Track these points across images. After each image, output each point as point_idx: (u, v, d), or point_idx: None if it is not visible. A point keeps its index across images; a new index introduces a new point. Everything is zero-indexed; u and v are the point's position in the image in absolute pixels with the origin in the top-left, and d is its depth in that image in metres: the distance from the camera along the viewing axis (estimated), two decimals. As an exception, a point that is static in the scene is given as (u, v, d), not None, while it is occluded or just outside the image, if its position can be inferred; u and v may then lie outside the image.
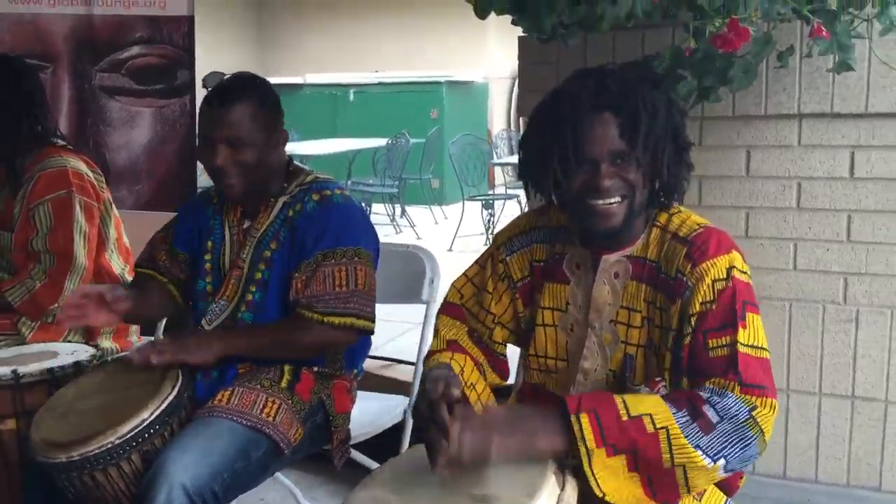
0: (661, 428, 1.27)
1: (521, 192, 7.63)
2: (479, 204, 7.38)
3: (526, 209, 7.20)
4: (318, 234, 1.92)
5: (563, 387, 1.57)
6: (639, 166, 1.40)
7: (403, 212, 8.32)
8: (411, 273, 2.35)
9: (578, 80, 1.44)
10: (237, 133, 1.89)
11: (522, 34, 2.20)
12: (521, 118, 1.97)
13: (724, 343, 1.36)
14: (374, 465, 2.18)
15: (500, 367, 1.67)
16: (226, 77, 1.98)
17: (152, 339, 2.43)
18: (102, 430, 1.69)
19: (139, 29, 3.72)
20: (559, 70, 2.19)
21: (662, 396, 1.36)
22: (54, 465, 1.69)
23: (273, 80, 2.18)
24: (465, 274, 1.70)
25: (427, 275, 2.33)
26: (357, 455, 2.13)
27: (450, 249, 6.92)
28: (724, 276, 1.39)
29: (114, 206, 2.66)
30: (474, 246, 7.17)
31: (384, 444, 2.20)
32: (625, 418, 1.28)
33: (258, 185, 1.98)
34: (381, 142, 8.58)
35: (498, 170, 9.07)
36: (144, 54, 3.75)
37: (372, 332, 1.98)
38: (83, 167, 2.52)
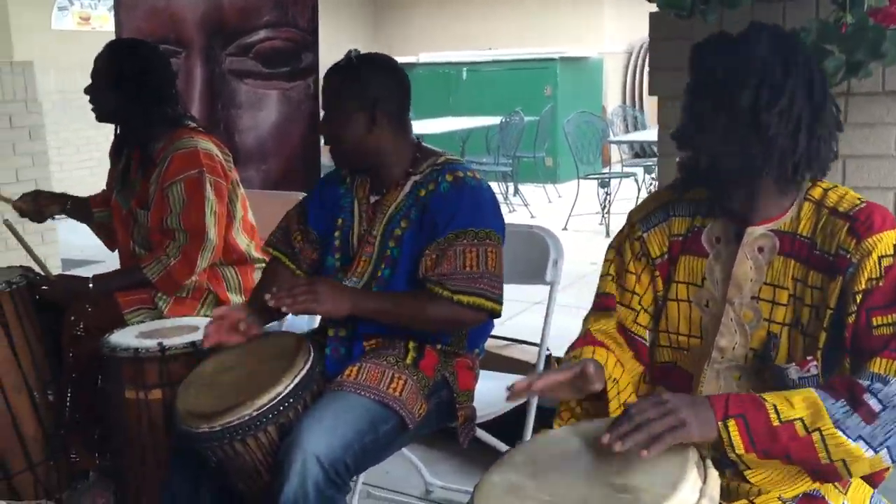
0: (814, 430, 1.24)
1: (639, 171, 7.48)
2: (594, 182, 7.27)
3: (643, 187, 7.09)
4: (451, 215, 1.93)
5: (697, 365, 1.52)
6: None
7: (517, 190, 8.29)
8: (534, 254, 2.33)
9: (711, 52, 1.41)
10: (325, 106, 2.00)
11: (653, 9, 2.13)
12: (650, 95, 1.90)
13: (890, 321, 1.31)
14: (498, 443, 2.21)
15: (642, 351, 1.61)
16: (349, 54, 2.01)
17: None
18: (241, 402, 1.76)
19: (266, 13, 3.82)
20: (694, 46, 2.10)
21: (818, 386, 1.31)
22: (198, 434, 1.78)
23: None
24: (606, 261, 1.66)
25: (551, 256, 2.32)
26: (481, 434, 2.15)
27: (564, 228, 6.85)
28: (892, 252, 1.34)
29: (240, 185, 2.74)
30: (590, 225, 7.08)
31: (507, 424, 2.22)
32: (775, 423, 1.24)
33: (360, 159, 2.02)
34: (494, 120, 8.55)
35: (614, 147, 8.90)
36: (271, 38, 3.85)
37: (499, 315, 1.97)
38: (213, 147, 2.60)
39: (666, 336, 1.57)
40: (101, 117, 2.61)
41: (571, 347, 1.59)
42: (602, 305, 1.64)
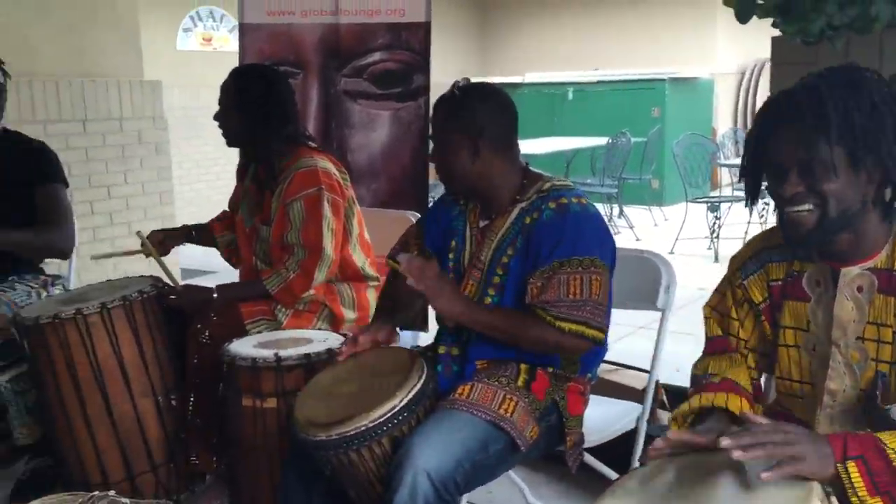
0: None
1: (750, 195, 7.26)
2: (702, 206, 7.11)
3: (755, 212, 6.89)
4: (554, 243, 1.94)
5: (810, 411, 1.51)
6: (837, 174, 1.36)
7: (622, 212, 8.19)
8: (645, 279, 2.32)
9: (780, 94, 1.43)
10: (433, 137, 2.07)
11: (775, 33, 2.10)
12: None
13: None
14: (606, 469, 2.19)
15: (757, 394, 1.62)
16: (455, 85, 2.06)
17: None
18: (357, 414, 1.81)
19: (380, 36, 3.93)
20: (817, 71, 2.06)
21: None
22: (314, 442, 1.83)
23: (493, 79, 2.24)
24: (708, 304, 1.69)
25: (663, 281, 2.29)
26: (589, 459, 2.14)
27: (671, 252, 6.71)
28: None
29: (356, 202, 2.82)
30: (698, 250, 6.93)
31: (616, 450, 2.20)
32: None
33: (468, 188, 2.06)
34: (600, 141, 8.48)
35: (724, 171, 8.68)
36: (385, 60, 3.95)
37: (601, 343, 1.96)
38: (331, 167, 2.69)
39: (781, 383, 1.57)
40: (231, 141, 2.73)
41: (702, 389, 1.56)
42: (718, 349, 1.64)
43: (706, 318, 1.69)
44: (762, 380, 1.68)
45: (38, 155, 2.99)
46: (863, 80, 1.39)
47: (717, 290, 1.68)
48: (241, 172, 2.89)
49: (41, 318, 2.41)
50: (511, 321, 1.98)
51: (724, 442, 1.21)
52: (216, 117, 2.70)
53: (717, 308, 1.66)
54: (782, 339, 1.54)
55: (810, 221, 1.40)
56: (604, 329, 1.94)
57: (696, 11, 10.89)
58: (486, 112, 2.02)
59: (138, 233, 2.78)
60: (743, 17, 1.71)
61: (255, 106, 2.63)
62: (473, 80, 2.10)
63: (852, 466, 1.21)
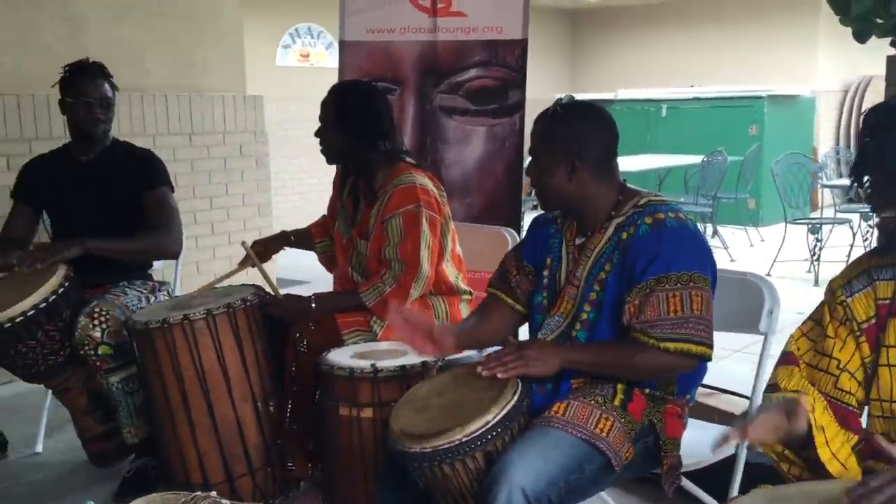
0: None
1: (854, 217, 7.00)
2: (801, 227, 6.88)
3: (858, 234, 6.63)
4: (650, 259, 1.92)
5: None
6: None
7: (715, 232, 8.00)
8: (748, 302, 2.26)
9: None
10: (531, 153, 2.06)
11: (890, 52, 2.03)
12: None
13: None
14: (704, 495, 2.14)
15: (850, 420, 1.54)
16: (557, 103, 2.06)
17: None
18: (452, 427, 1.82)
19: (477, 53, 3.97)
20: (934, 90, 1.98)
21: None
22: (410, 454, 1.85)
23: (584, 95, 2.23)
24: (799, 328, 1.65)
25: (766, 305, 2.23)
26: (686, 483, 2.09)
27: (768, 274, 6.51)
28: None
29: (451, 219, 2.84)
30: (796, 272, 6.70)
31: (713, 476, 2.15)
32: None
33: (563, 205, 2.06)
34: (693, 159, 8.32)
35: (825, 192, 8.40)
36: (481, 76, 3.99)
37: (709, 359, 1.93)
38: (429, 183, 2.72)
39: (878, 405, 1.50)
40: (331, 158, 2.79)
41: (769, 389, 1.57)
42: (788, 361, 1.62)
43: (793, 338, 1.65)
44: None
45: (147, 161, 3.14)
46: None
47: (810, 317, 1.64)
48: (339, 185, 2.95)
49: (151, 322, 2.51)
50: (611, 353, 1.96)
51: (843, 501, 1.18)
52: (317, 134, 2.76)
53: (809, 334, 1.63)
54: (884, 358, 1.48)
55: None
56: (709, 344, 1.90)
57: (797, 27, 10.60)
58: (585, 131, 2.01)
59: (243, 243, 2.88)
60: (861, 37, 1.67)
61: (354, 122, 2.68)
62: (576, 100, 2.10)
63: None
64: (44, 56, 4.14)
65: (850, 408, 1.55)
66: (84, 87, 3.00)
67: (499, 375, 1.90)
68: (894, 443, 1.45)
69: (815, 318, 1.62)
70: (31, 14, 4.11)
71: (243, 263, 2.98)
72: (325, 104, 2.75)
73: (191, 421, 2.55)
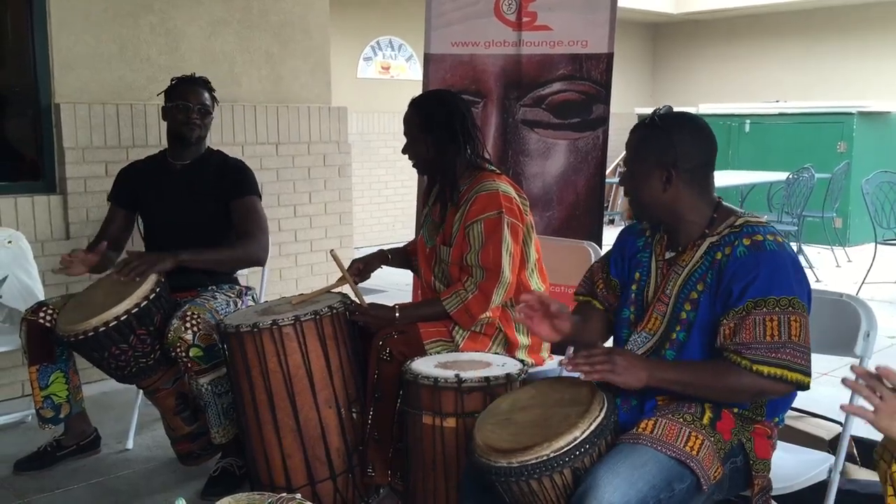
0: None
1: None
2: (891, 248, 6.63)
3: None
4: (749, 282, 1.88)
5: None
6: None
7: (800, 251, 7.78)
8: (844, 323, 2.20)
9: None
10: (627, 162, 2.04)
11: None
12: None
13: None
14: (795, 521, 2.09)
15: None
16: (657, 111, 2.04)
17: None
18: (539, 443, 1.81)
19: (562, 66, 3.96)
20: None
21: None
22: (497, 468, 1.84)
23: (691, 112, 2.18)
24: None
25: (862, 328, 2.17)
26: (777, 507, 2.05)
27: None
28: None
29: (534, 228, 2.84)
30: (887, 294, 6.46)
31: (804, 500, 2.09)
32: None
33: (656, 216, 2.03)
34: (778, 175, 8.12)
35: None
36: (565, 90, 3.98)
37: (806, 387, 1.87)
38: (512, 191, 2.73)
39: None
40: (422, 169, 2.84)
41: None
42: None
43: None
44: None
45: (237, 170, 3.24)
46: None
47: None
48: (425, 194, 2.98)
49: (241, 326, 2.58)
50: (701, 372, 1.92)
51: None
52: (404, 150, 2.79)
53: None
54: None
55: None
56: (807, 373, 1.85)
57: (888, 41, 10.25)
58: (683, 140, 1.99)
59: (331, 251, 2.93)
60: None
61: (440, 128, 2.72)
62: (676, 111, 2.07)
63: None
64: (143, 68, 4.32)
65: None
66: (186, 93, 3.14)
67: (583, 376, 1.88)
68: None
69: None
70: (132, 27, 4.29)
71: (334, 286, 2.96)
72: (409, 117, 2.79)
73: (276, 423, 2.60)
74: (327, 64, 5.20)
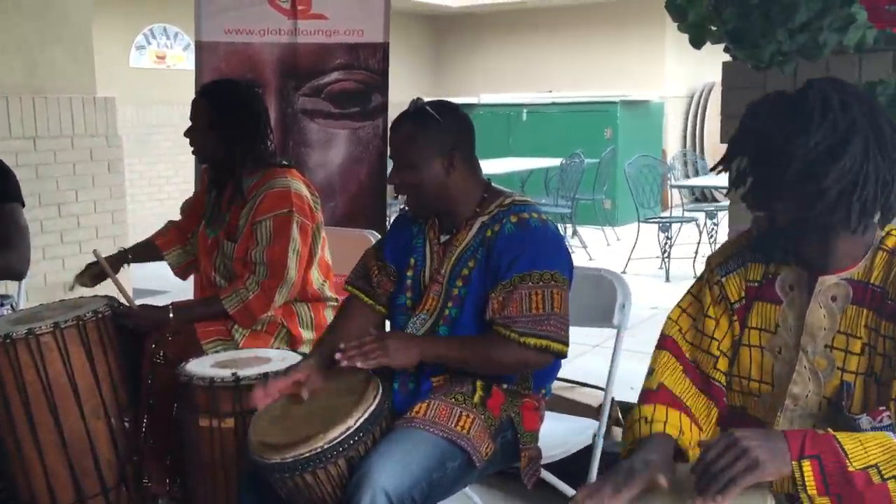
0: (890, 478, 1.23)
1: (700, 215, 7.44)
2: (653, 226, 7.25)
3: (704, 232, 7.03)
4: (515, 257, 1.97)
5: (768, 412, 1.53)
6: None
7: (575, 232, 8.29)
8: (601, 297, 2.36)
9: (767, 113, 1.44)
10: (400, 155, 2.04)
11: (725, 58, 2.17)
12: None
13: None
14: (563, 485, 2.22)
15: (717, 395, 1.60)
16: (415, 103, 2.06)
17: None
18: (313, 435, 1.80)
19: (339, 56, 3.96)
20: (767, 96, 2.13)
21: (893, 431, 1.31)
22: (270, 464, 1.81)
23: (448, 99, 2.24)
24: (678, 305, 1.67)
25: (618, 300, 2.34)
26: (546, 475, 2.16)
27: (623, 272, 6.82)
28: None
29: (323, 226, 2.79)
30: (649, 269, 7.05)
31: (572, 466, 2.22)
32: (850, 469, 1.23)
33: (437, 203, 2.07)
34: (553, 161, 8.60)
35: (674, 192, 8.87)
36: (343, 79, 3.98)
37: (565, 356, 2.00)
38: (304, 189, 2.67)
39: (737, 381, 1.58)
40: (204, 158, 2.71)
41: (644, 400, 1.58)
42: (664, 346, 1.64)
43: (672, 319, 1.64)
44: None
45: None
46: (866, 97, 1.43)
47: (689, 292, 1.66)
48: (207, 183, 2.84)
49: (-10, 338, 2.36)
50: (472, 346, 1.99)
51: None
52: (187, 134, 2.66)
53: (688, 310, 1.64)
54: (746, 339, 1.55)
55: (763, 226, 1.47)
56: (567, 342, 1.97)
57: (646, 35, 11.12)
58: (456, 126, 2.05)
59: (95, 251, 2.74)
60: (696, 43, 1.78)
61: (231, 126, 2.61)
62: (429, 100, 2.11)
63: (807, 465, 1.24)
64: None
65: (721, 386, 1.60)
66: None
67: (359, 365, 1.87)
68: (749, 418, 1.55)
69: (694, 293, 1.65)
70: None
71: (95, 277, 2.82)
72: (197, 105, 2.66)
73: (37, 440, 2.41)
74: (90, 51, 4.86)
